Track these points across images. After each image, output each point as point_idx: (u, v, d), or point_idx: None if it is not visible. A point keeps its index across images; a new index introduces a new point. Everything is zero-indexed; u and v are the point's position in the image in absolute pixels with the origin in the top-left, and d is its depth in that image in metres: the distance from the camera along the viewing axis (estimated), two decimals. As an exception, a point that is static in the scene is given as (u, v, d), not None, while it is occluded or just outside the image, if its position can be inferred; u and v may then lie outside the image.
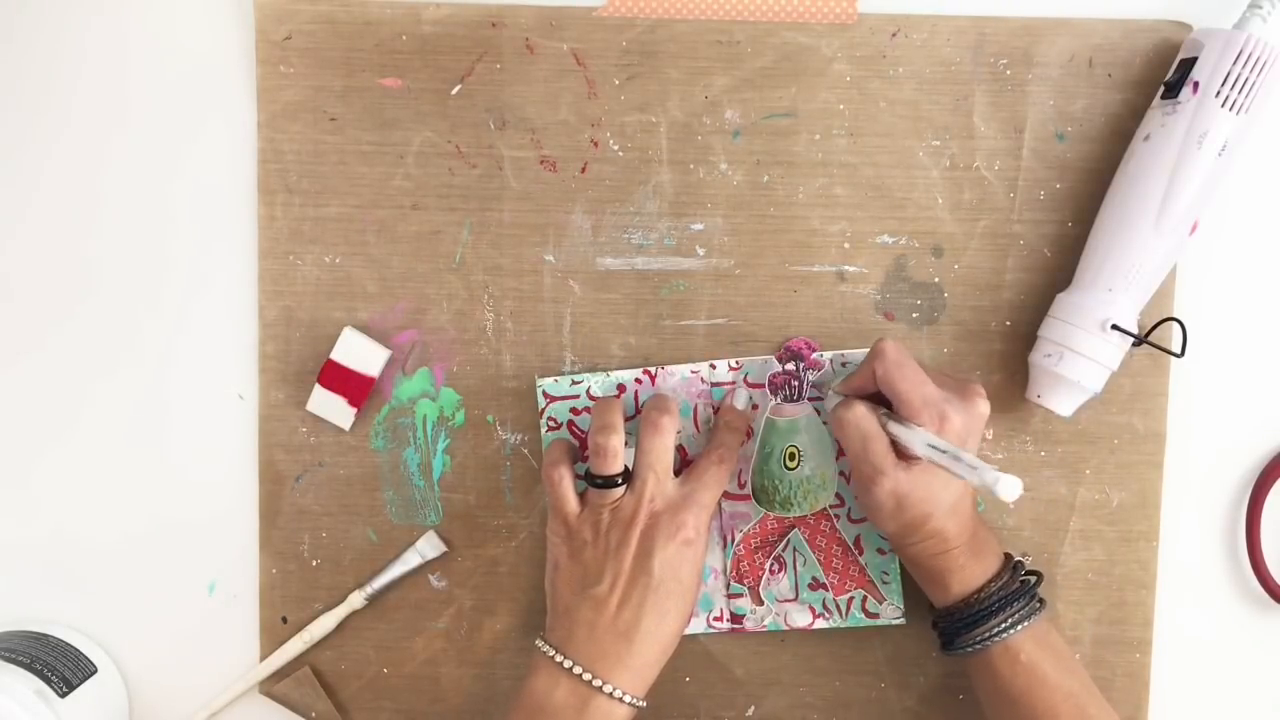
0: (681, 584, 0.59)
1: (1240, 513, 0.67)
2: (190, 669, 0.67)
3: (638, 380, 0.65)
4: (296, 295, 0.65)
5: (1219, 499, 0.67)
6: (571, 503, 0.61)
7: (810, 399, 0.64)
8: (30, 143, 0.65)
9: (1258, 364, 0.67)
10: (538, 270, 0.65)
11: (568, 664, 0.58)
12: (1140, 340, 0.61)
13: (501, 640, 0.67)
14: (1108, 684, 0.67)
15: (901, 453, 0.58)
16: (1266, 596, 0.67)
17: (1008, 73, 0.64)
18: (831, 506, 0.65)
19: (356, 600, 0.66)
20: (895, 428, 0.58)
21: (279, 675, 0.66)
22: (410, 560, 0.66)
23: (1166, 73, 0.62)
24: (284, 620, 0.66)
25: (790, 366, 0.64)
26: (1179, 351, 0.62)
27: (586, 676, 0.57)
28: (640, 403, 0.64)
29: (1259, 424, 0.67)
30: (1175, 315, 0.63)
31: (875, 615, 0.65)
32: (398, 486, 0.66)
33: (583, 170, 0.65)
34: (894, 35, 0.64)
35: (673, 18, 0.64)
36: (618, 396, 0.64)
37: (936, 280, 0.65)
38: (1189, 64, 0.61)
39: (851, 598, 0.65)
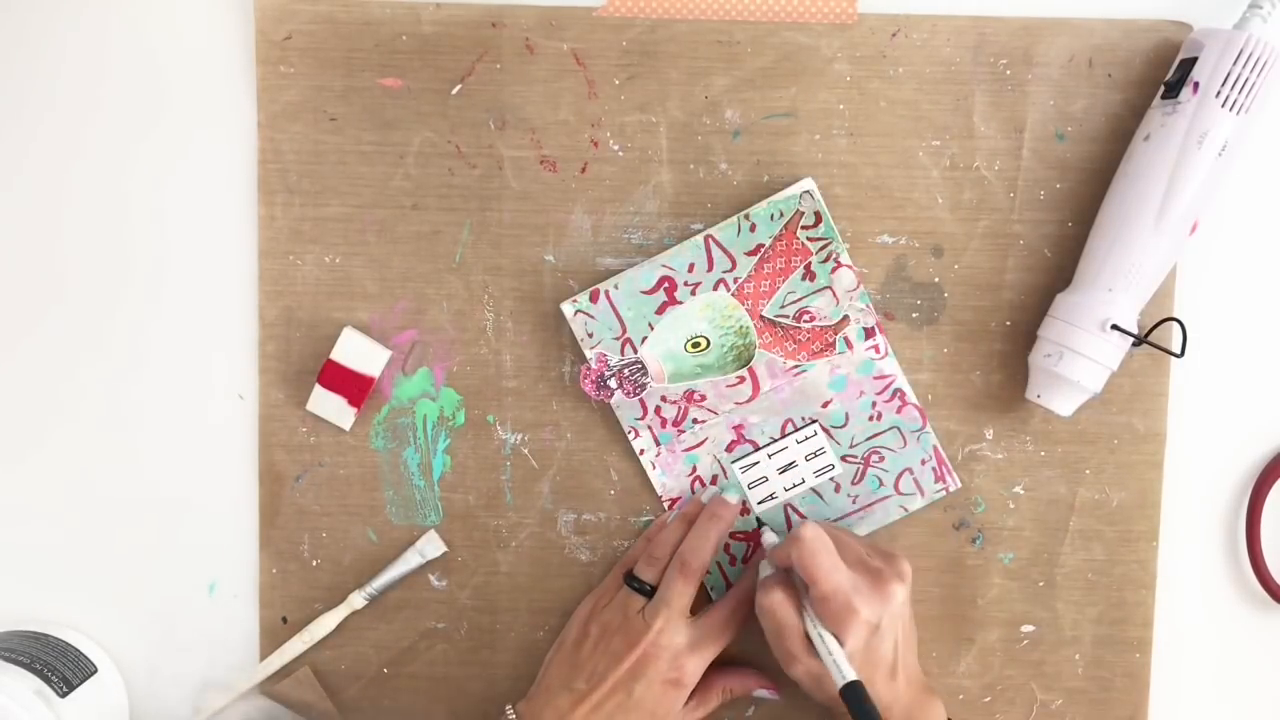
0: (653, 717, 0.61)
1: (1240, 513, 0.67)
2: (190, 669, 0.67)
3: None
4: (296, 295, 0.65)
5: (1219, 499, 0.67)
6: (608, 598, 0.63)
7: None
8: (29, 142, 0.65)
9: (1258, 364, 0.67)
10: (538, 270, 0.65)
11: None
12: (1140, 340, 0.61)
13: (501, 640, 0.67)
14: (1108, 684, 0.67)
15: None
16: (1266, 596, 0.67)
17: (1008, 73, 0.64)
18: None
19: (356, 600, 0.65)
20: (807, 615, 0.59)
21: (279, 675, 0.66)
22: (410, 560, 0.66)
23: (1166, 73, 0.62)
24: (284, 620, 0.66)
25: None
26: (1179, 351, 0.62)
27: None
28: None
29: (1259, 424, 0.67)
30: (1175, 315, 0.63)
31: None
32: (398, 486, 0.66)
33: (583, 170, 0.65)
34: (894, 35, 0.64)
35: (673, 18, 0.64)
36: (730, 515, 0.64)
37: (936, 280, 0.65)
38: (1189, 64, 0.61)
39: None
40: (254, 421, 0.66)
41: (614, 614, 0.62)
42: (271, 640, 0.66)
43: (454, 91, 0.64)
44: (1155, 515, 0.66)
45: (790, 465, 0.65)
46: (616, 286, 0.64)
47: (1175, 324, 0.63)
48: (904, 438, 0.65)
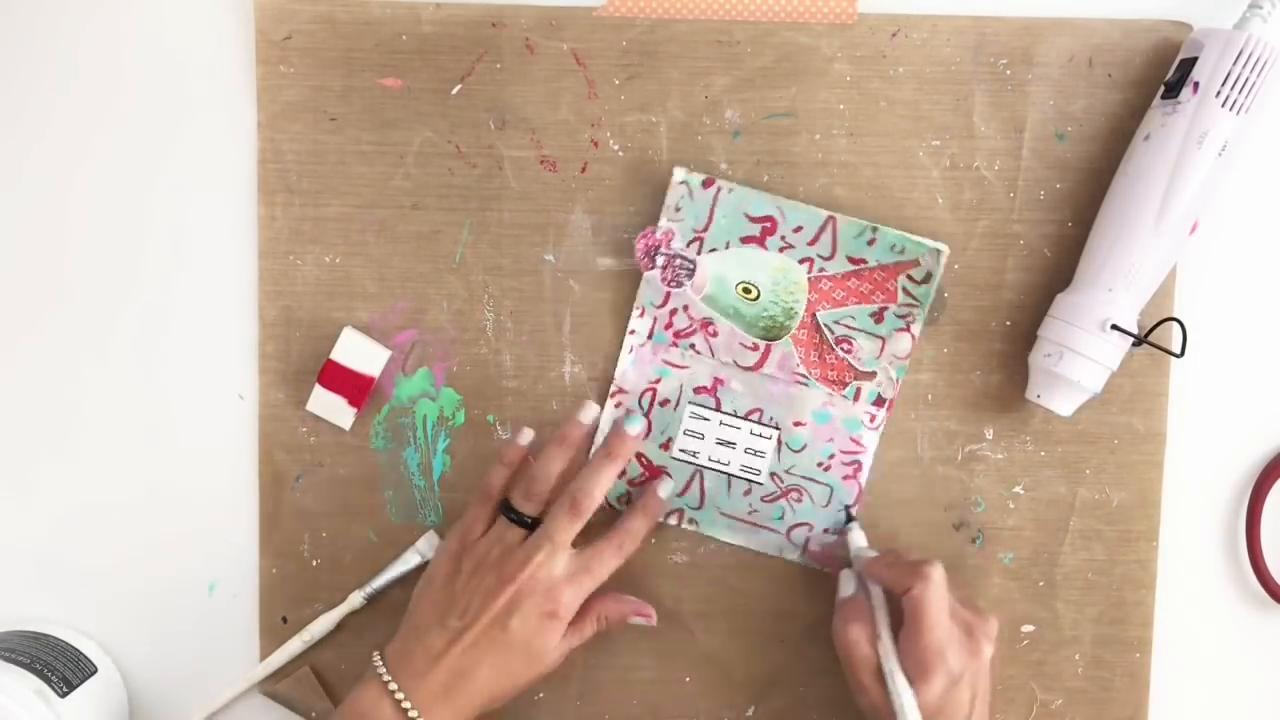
0: (530, 652, 0.60)
1: (1240, 513, 0.67)
2: (190, 669, 0.67)
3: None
4: (296, 295, 0.65)
5: (1219, 499, 0.67)
6: (477, 530, 0.62)
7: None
8: (29, 142, 0.65)
9: (1258, 364, 0.67)
10: (538, 270, 0.65)
11: (395, 691, 0.59)
12: (1140, 340, 0.61)
13: (501, 640, 0.67)
14: (1108, 684, 0.67)
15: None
16: (1266, 596, 0.67)
17: (1008, 73, 0.64)
18: None
19: (356, 600, 0.65)
20: (883, 647, 0.59)
21: (279, 675, 0.66)
22: (410, 560, 0.66)
23: (1166, 73, 0.62)
24: (284, 620, 0.66)
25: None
26: (1179, 351, 0.62)
27: (407, 707, 0.58)
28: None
29: (1259, 424, 0.67)
30: (1175, 315, 0.63)
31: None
32: (398, 486, 0.66)
33: (583, 170, 0.65)
34: (894, 35, 0.64)
35: (673, 18, 0.64)
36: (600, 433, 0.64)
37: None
38: (1189, 64, 0.61)
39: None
40: (254, 421, 0.66)
41: (490, 546, 0.61)
42: (271, 640, 0.66)
43: (454, 91, 0.64)
44: (1155, 515, 0.66)
45: (729, 444, 0.65)
46: (730, 190, 0.63)
47: (1175, 324, 0.63)
48: (830, 501, 0.65)
